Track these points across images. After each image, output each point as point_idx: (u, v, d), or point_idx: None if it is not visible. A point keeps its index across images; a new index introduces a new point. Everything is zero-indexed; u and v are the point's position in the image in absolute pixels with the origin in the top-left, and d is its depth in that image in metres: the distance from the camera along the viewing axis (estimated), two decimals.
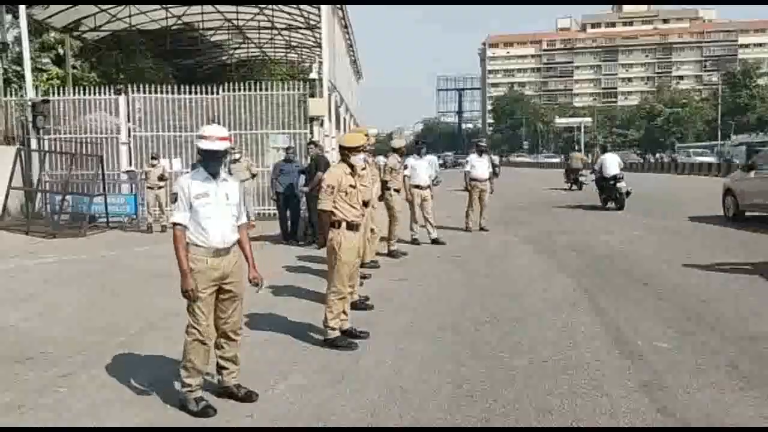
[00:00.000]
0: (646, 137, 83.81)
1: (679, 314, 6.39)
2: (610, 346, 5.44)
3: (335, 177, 5.66)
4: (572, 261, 9.60)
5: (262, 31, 27.49)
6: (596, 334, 5.80)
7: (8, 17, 19.48)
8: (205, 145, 4.24)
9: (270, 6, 22.86)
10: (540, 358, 5.17)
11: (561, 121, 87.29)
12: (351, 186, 5.69)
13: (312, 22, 23.12)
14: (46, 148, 16.04)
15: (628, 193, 16.40)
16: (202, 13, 24.32)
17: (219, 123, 14.68)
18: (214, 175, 4.30)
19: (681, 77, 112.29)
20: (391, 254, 10.29)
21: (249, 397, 4.44)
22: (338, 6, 21.25)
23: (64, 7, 20.30)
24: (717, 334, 5.70)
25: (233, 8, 23.72)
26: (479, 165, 13.21)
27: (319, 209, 5.65)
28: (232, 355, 4.49)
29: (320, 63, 18.23)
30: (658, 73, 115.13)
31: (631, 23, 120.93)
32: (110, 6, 21.63)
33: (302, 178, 12.01)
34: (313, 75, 17.32)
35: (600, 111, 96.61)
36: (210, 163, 4.28)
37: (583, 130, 76.28)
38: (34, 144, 15.92)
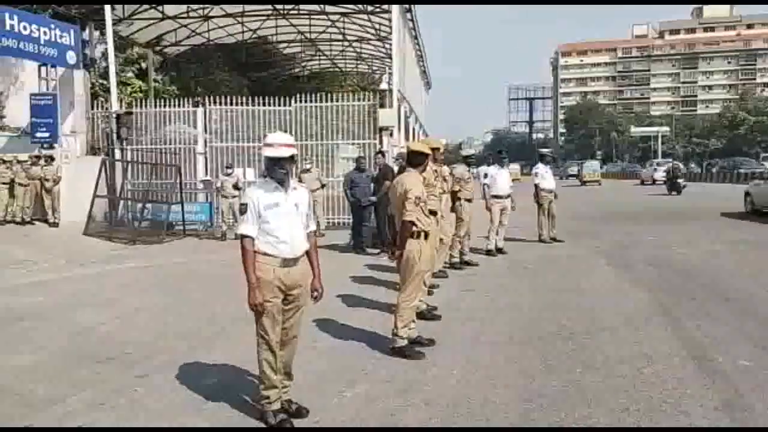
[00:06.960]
0: (729, 147, 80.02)
1: (763, 331, 6.03)
2: (689, 363, 5.18)
3: (420, 188, 5.67)
4: (647, 274, 9.24)
5: (333, 43, 27.93)
6: (674, 350, 5.55)
7: (96, 34, 20.56)
8: (269, 152, 4.14)
9: (342, 18, 23.20)
10: (614, 374, 4.98)
11: (637, 130, 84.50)
12: (428, 196, 5.73)
13: (383, 34, 23.35)
14: (129, 158, 16.78)
15: None
16: (276, 27, 24.92)
17: (290, 133, 15.01)
18: (282, 183, 4.19)
19: (766, 84, 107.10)
20: (452, 266, 9.97)
21: (299, 413, 4.31)
22: (409, 17, 21.32)
23: (147, 23, 21.26)
24: None
25: (306, 21, 24.19)
26: (548, 176, 13.24)
27: (405, 220, 5.59)
28: (289, 368, 4.37)
29: (390, 74, 18.35)
30: (741, 80, 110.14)
31: (712, 29, 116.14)
32: (190, 21, 22.49)
33: (371, 188, 12.14)
34: (383, 86, 17.46)
35: (678, 120, 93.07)
36: (275, 170, 4.16)
37: (660, 139, 73.64)
38: (117, 154, 16.68)
